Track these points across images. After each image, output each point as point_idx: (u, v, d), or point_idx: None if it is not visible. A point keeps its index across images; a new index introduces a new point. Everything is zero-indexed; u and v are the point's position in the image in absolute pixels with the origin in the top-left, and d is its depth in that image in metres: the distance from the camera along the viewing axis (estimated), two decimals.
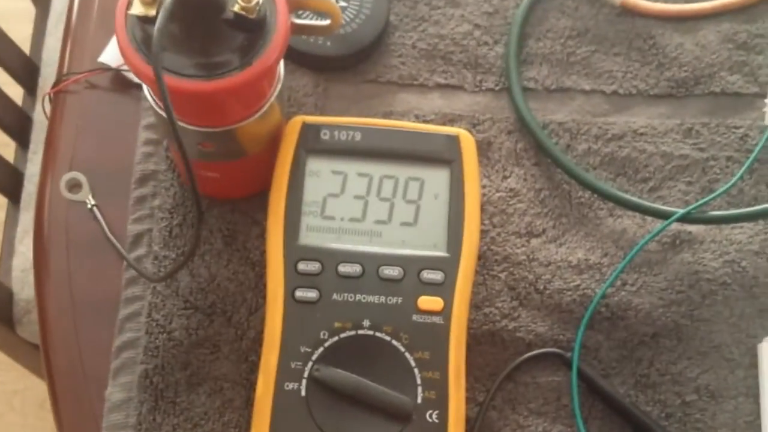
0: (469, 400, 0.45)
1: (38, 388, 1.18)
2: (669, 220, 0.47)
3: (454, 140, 0.45)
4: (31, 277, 0.75)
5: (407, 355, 0.41)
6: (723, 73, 0.54)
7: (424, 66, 0.54)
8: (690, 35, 0.55)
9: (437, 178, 0.44)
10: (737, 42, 0.55)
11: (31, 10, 0.93)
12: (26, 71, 0.86)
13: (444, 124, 0.52)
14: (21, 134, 0.84)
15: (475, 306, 0.47)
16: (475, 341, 0.46)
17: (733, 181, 0.48)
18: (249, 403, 0.44)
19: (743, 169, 0.48)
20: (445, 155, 0.45)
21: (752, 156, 0.48)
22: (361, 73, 0.53)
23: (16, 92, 0.85)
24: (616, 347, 0.47)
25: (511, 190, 0.50)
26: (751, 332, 0.47)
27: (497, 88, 0.53)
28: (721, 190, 0.48)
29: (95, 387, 0.46)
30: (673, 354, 0.46)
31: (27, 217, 0.79)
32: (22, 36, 0.89)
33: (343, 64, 0.53)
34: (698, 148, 0.52)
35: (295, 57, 0.52)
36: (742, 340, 0.47)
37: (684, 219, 0.48)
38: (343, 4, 0.53)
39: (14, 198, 0.82)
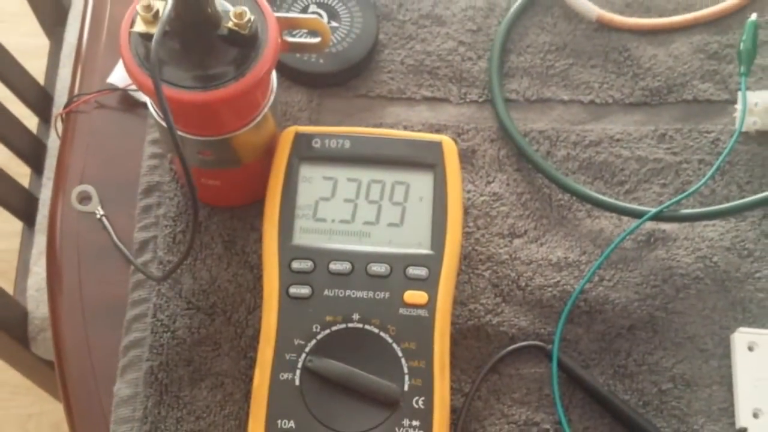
0: (456, 391, 0.48)
1: (53, 412, 1.20)
2: (643, 218, 0.50)
3: (437, 146, 0.48)
4: (45, 296, 0.79)
5: (394, 345, 0.44)
6: (695, 82, 0.57)
7: (412, 81, 0.57)
8: (663, 47, 0.58)
9: (421, 182, 0.47)
10: (708, 52, 0.58)
11: (46, 46, 0.97)
12: (41, 101, 0.90)
13: (431, 133, 0.55)
14: (36, 161, 0.88)
15: (460, 302, 0.50)
16: (461, 335, 0.49)
17: (703, 182, 0.50)
18: (248, 396, 0.47)
19: (713, 169, 0.51)
20: (429, 160, 0.48)
21: (721, 157, 0.51)
22: (352, 88, 0.57)
23: (31, 123, 0.89)
24: (594, 339, 0.49)
25: (495, 194, 0.53)
26: (723, 324, 0.49)
27: (481, 99, 0.57)
28: (691, 189, 0.51)
29: (104, 383, 0.48)
30: (649, 345, 0.49)
31: (41, 239, 0.82)
32: (38, 70, 0.93)
33: (335, 80, 0.56)
34: (672, 152, 0.55)
35: (290, 74, 0.56)
36: (715, 332, 0.49)
37: (657, 217, 0.50)
38: (335, 24, 0.57)
39: (29, 221, 0.85)
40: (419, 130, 0.55)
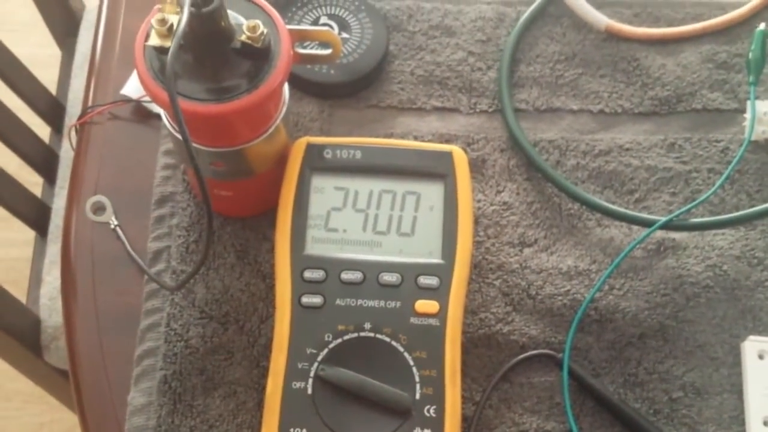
0: (467, 399, 0.48)
1: (65, 420, 1.21)
2: (653, 228, 0.50)
3: (448, 156, 0.49)
4: (58, 305, 0.79)
5: (406, 354, 0.44)
6: (704, 91, 0.57)
7: (422, 91, 0.58)
8: (672, 57, 0.58)
9: (432, 192, 0.48)
10: (717, 62, 0.58)
11: (58, 56, 0.98)
12: (53, 111, 0.91)
13: (441, 143, 0.55)
14: (48, 171, 0.89)
15: (471, 311, 0.50)
16: (471, 344, 0.49)
17: (712, 191, 0.51)
18: (261, 405, 0.47)
19: (722, 178, 0.51)
20: (439, 170, 0.48)
21: (731, 166, 0.51)
22: (363, 99, 0.57)
23: (43, 132, 0.90)
24: (605, 348, 0.49)
25: (505, 203, 0.54)
26: (733, 332, 0.50)
27: (491, 109, 0.57)
28: (701, 198, 0.51)
29: (118, 392, 0.49)
30: (660, 354, 0.49)
31: (54, 249, 0.83)
32: (50, 80, 0.94)
33: (346, 91, 0.57)
34: (681, 161, 0.55)
35: (301, 85, 0.56)
36: (726, 340, 0.49)
37: (667, 226, 0.51)
38: (345, 35, 0.57)
39: (42, 231, 0.86)
40: (429, 140, 0.56)
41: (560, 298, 0.50)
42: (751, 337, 0.49)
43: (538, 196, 0.54)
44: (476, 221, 0.53)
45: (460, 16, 0.60)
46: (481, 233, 0.52)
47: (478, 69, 0.58)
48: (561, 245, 0.52)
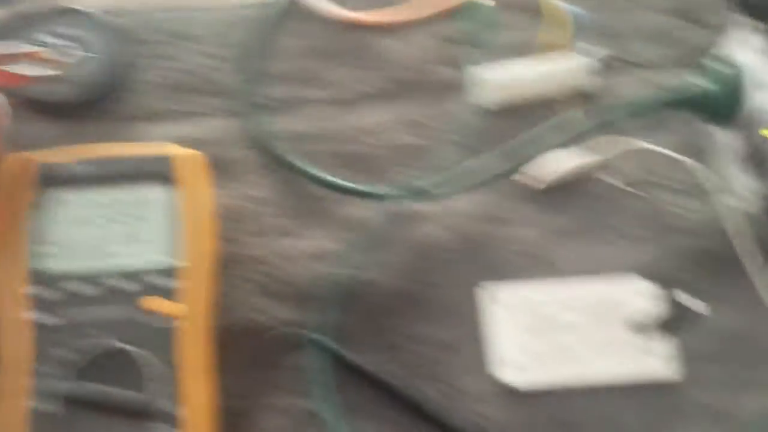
0: (229, 393, 0.48)
1: None
2: (396, 200, 0.53)
3: (175, 159, 0.49)
4: None
5: (143, 358, 0.44)
6: (437, 67, 0.60)
7: (168, 99, 0.58)
8: (405, 40, 0.61)
9: (163, 196, 0.48)
10: (447, 39, 0.61)
11: None
12: None
13: (189, 147, 0.55)
14: None
15: (226, 306, 0.50)
16: (230, 338, 0.49)
17: (450, 160, 0.54)
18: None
19: (458, 147, 0.54)
20: (169, 174, 0.48)
21: (464, 135, 0.54)
22: (107, 112, 0.57)
23: None
24: (361, 321, 0.51)
25: (255, 198, 0.55)
26: (477, 286, 0.52)
27: (239, 110, 0.58)
28: (440, 168, 0.54)
29: None
30: (412, 318, 0.51)
31: None
32: None
33: (87, 107, 0.56)
34: (423, 136, 0.58)
35: (38, 107, 0.55)
36: (470, 296, 0.52)
37: (411, 198, 0.53)
38: (79, 53, 0.57)
39: None
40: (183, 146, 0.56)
41: (316, 280, 0.52)
42: (483, 284, 0.51)
43: (288, 187, 0.55)
44: (227, 218, 0.53)
45: (202, 22, 0.61)
46: (230, 229, 0.53)
47: (223, 71, 0.59)
48: (314, 230, 0.54)
